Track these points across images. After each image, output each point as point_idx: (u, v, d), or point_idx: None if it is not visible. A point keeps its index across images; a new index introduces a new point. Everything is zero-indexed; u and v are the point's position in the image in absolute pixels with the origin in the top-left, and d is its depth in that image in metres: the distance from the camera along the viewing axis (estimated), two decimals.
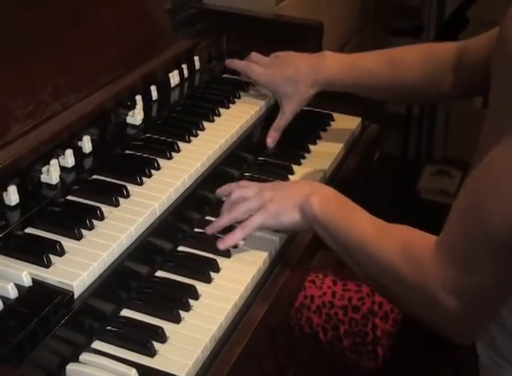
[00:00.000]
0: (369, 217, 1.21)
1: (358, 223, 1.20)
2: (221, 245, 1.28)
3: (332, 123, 1.79)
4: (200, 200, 1.40)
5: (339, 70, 1.59)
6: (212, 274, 1.24)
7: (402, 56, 1.57)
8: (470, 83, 1.47)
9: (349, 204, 1.25)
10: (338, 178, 1.64)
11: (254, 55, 1.70)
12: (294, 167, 1.59)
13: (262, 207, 1.28)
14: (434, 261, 1.06)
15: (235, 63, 1.71)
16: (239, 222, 1.30)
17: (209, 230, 1.32)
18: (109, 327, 1.12)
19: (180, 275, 1.24)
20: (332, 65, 1.60)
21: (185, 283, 1.21)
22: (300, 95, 1.62)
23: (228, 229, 1.31)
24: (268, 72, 1.64)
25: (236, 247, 1.30)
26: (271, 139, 1.64)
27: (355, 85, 1.60)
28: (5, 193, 1.18)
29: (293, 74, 1.61)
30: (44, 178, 1.25)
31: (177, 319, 1.14)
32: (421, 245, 1.10)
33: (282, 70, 1.63)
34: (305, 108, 1.70)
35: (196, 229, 1.36)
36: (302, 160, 1.62)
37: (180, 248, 1.31)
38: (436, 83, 1.52)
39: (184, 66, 1.68)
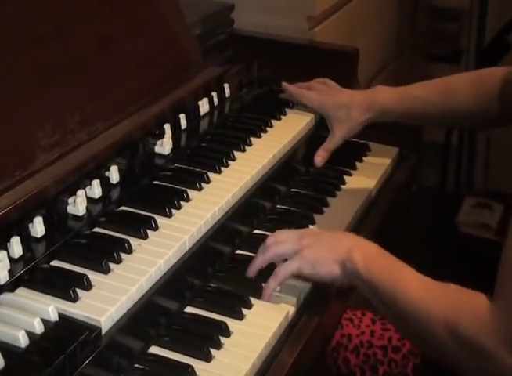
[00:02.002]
0: (415, 276, 1.21)
1: (406, 284, 1.18)
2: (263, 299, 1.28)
3: (368, 153, 1.81)
4: (231, 233, 1.42)
5: (392, 98, 1.66)
6: (244, 310, 1.25)
7: (453, 83, 1.63)
8: None
9: (394, 261, 1.24)
10: (374, 212, 1.65)
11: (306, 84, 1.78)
12: (329, 199, 1.60)
13: (298, 252, 1.28)
14: (492, 319, 1.07)
15: (289, 87, 1.77)
16: None
17: (249, 274, 1.32)
18: (137, 365, 1.13)
19: (211, 311, 1.25)
20: (385, 94, 1.68)
21: (215, 320, 1.22)
22: (352, 121, 1.68)
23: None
24: (321, 98, 1.72)
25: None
26: (320, 158, 1.69)
27: (408, 114, 1.66)
28: (30, 225, 1.20)
29: (346, 100, 1.69)
30: (70, 209, 1.28)
31: (208, 358, 1.15)
32: (475, 304, 1.11)
33: (335, 97, 1.71)
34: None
35: (228, 264, 1.37)
36: (337, 193, 1.64)
37: (211, 284, 1.32)
38: (485, 109, 1.57)
39: (214, 93, 1.70)
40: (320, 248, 1.28)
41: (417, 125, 1.91)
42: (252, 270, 1.31)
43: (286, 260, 1.30)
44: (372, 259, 1.24)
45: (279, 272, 1.28)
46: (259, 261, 1.31)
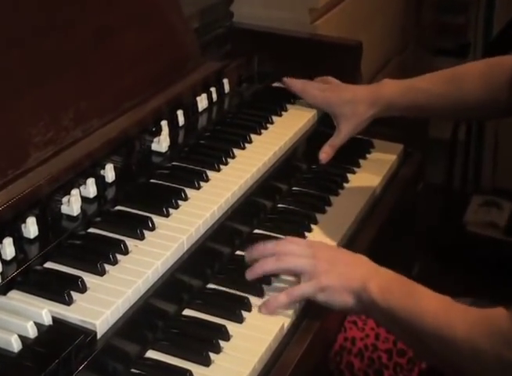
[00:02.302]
0: (435, 296, 1.21)
1: (425, 306, 1.19)
2: (264, 310, 1.26)
3: (372, 150, 1.81)
4: (231, 233, 1.42)
5: (398, 91, 1.67)
6: (244, 313, 1.24)
7: (460, 73, 1.64)
8: None
9: (411, 285, 1.24)
10: (379, 211, 1.65)
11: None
12: (332, 198, 1.60)
13: (315, 277, 1.27)
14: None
15: (292, 83, 1.77)
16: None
17: (250, 275, 1.30)
18: (134, 370, 1.13)
19: (209, 314, 1.25)
20: (391, 88, 1.68)
21: (215, 323, 1.22)
22: (358, 116, 1.69)
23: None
24: (326, 95, 1.73)
25: (269, 283, 1.31)
26: (325, 155, 1.69)
27: (414, 107, 1.66)
28: (23, 225, 1.20)
29: (351, 96, 1.70)
30: (64, 209, 1.27)
31: (206, 362, 1.14)
32: (495, 317, 1.11)
33: (340, 94, 1.72)
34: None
35: (227, 265, 1.37)
36: (340, 191, 1.64)
37: (209, 285, 1.32)
38: (494, 98, 1.56)
39: (212, 89, 1.70)
40: (336, 277, 1.26)
41: (423, 120, 1.91)
42: (256, 274, 1.29)
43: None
44: (388, 287, 1.23)
45: (293, 293, 1.27)
46: (269, 268, 1.29)
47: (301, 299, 1.28)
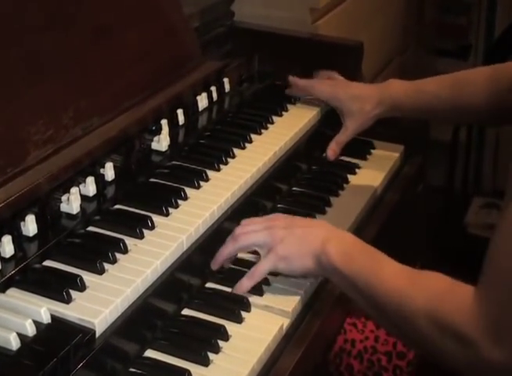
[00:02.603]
0: (396, 266, 1.21)
1: (386, 275, 1.19)
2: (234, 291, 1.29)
3: (372, 151, 1.81)
4: (230, 233, 1.41)
5: (404, 92, 1.67)
6: (243, 313, 1.25)
7: (467, 78, 1.65)
8: None
9: (372, 252, 1.24)
10: (379, 212, 1.65)
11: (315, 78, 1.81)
12: (332, 199, 1.60)
13: (271, 249, 1.29)
14: (476, 308, 1.07)
15: (297, 81, 1.79)
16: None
17: (213, 265, 1.32)
18: (132, 369, 1.13)
19: (208, 314, 1.25)
20: (397, 88, 1.69)
21: (214, 323, 1.23)
22: (364, 114, 1.70)
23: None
24: (333, 90, 1.74)
25: (269, 284, 1.31)
26: (332, 152, 1.71)
27: (420, 109, 1.67)
28: (22, 223, 1.20)
29: (358, 93, 1.71)
30: (64, 207, 1.28)
31: (205, 362, 1.15)
32: (459, 293, 1.11)
33: (347, 89, 1.73)
34: None
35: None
36: (340, 192, 1.64)
37: (208, 285, 1.33)
38: (497, 105, 1.56)
39: (213, 88, 1.70)
40: (293, 242, 1.28)
41: (424, 122, 1.92)
42: (218, 261, 1.32)
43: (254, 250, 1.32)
44: (348, 252, 1.24)
45: (254, 273, 1.29)
46: (227, 250, 1.32)
47: (264, 276, 1.29)
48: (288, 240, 1.28)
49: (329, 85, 1.76)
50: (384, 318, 1.20)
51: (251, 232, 1.31)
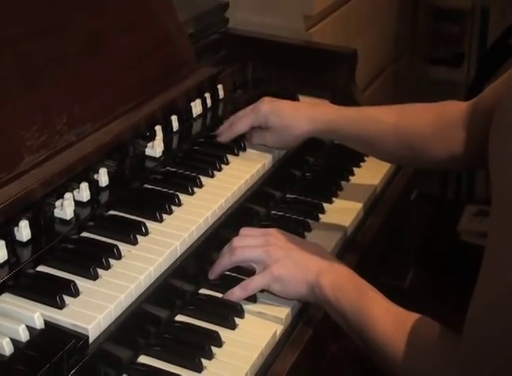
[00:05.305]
0: (386, 304, 1.22)
1: (374, 316, 1.20)
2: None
3: (366, 158, 1.82)
4: (224, 239, 1.42)
5: (343, 113, 1.55)
6: (237, 319, 1.25)
7: (411, 106, 1.53)
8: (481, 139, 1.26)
9: (363, 289, 1.26)
10: (372, 221, 1.66)
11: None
12: (326, 205, 1.61)
13: (267, 267, 1.30)
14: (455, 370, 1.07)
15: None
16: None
17: (211, 275, 1.34)
18: (125, 375, 1.13)
19: (202, 320, 1.25)
20: (335, 107, 1.60)
21: (207, 329, 1.23)
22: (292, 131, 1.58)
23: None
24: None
25: (262, 290, 1.32)
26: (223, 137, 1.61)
27: (358, 134, 1.53)
28: (16, 229, 1.20)
29: (291, 110, 1.59)
30: (57, 212, 1.28)
31: (198, 368, 1.15)
32: (442, 348, 1.11)
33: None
34: (337, 142, 1.70)
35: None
36: (334, 199, 1.64)
37: (202, 291, 1.33)
38: (445, 138, 1.44)
39: (207, 95, 1.71)
40: (289, 266, 1.30)
41: None
42: (216, 272, 1.34)
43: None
44: (340, 287, 1.26)
45: (247, 287, 1.30)
46: (224, 263, 1.33)
47: (256, 291, 1.30)
48: (284, 262, 1.30)
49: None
50: (371, 352, 1.22)
51: (248, 247, 1.33)
